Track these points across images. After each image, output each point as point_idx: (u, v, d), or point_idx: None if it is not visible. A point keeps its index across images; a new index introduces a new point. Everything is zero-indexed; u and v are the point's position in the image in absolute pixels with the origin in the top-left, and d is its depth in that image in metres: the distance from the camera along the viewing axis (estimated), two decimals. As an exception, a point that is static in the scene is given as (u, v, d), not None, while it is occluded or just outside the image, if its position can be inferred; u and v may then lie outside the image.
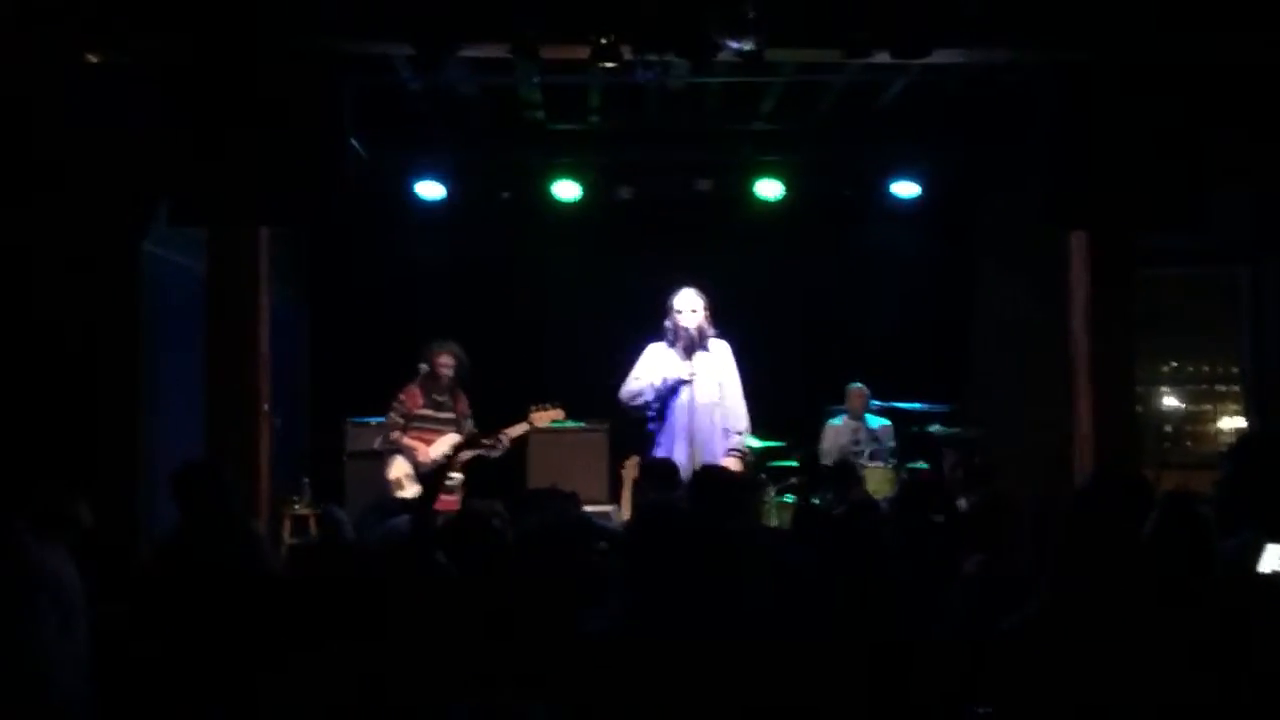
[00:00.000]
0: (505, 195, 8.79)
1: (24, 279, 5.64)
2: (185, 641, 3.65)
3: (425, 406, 7.31)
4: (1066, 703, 2.89)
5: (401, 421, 7.27)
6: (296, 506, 7.77)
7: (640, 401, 6.80)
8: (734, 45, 5.44)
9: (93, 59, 5.82)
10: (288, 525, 7.60)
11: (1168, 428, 9.65)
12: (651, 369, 6.77)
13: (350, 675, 3.23)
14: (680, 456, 6.37)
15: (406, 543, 4.02)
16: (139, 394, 6.03)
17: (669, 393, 6.71)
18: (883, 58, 5.94)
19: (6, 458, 5.33)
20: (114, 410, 5.83)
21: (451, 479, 7.30)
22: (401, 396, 7.29)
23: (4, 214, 5.59)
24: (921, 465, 8.10)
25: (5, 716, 3.60)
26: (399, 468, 7.24)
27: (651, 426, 6.80)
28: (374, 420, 7.79)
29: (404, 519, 4.34)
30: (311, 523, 7.74)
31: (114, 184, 5.74)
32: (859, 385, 8.54)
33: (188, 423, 6.41)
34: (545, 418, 7.37)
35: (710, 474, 4.93)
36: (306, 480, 7.98)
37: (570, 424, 8.23)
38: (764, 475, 7.82)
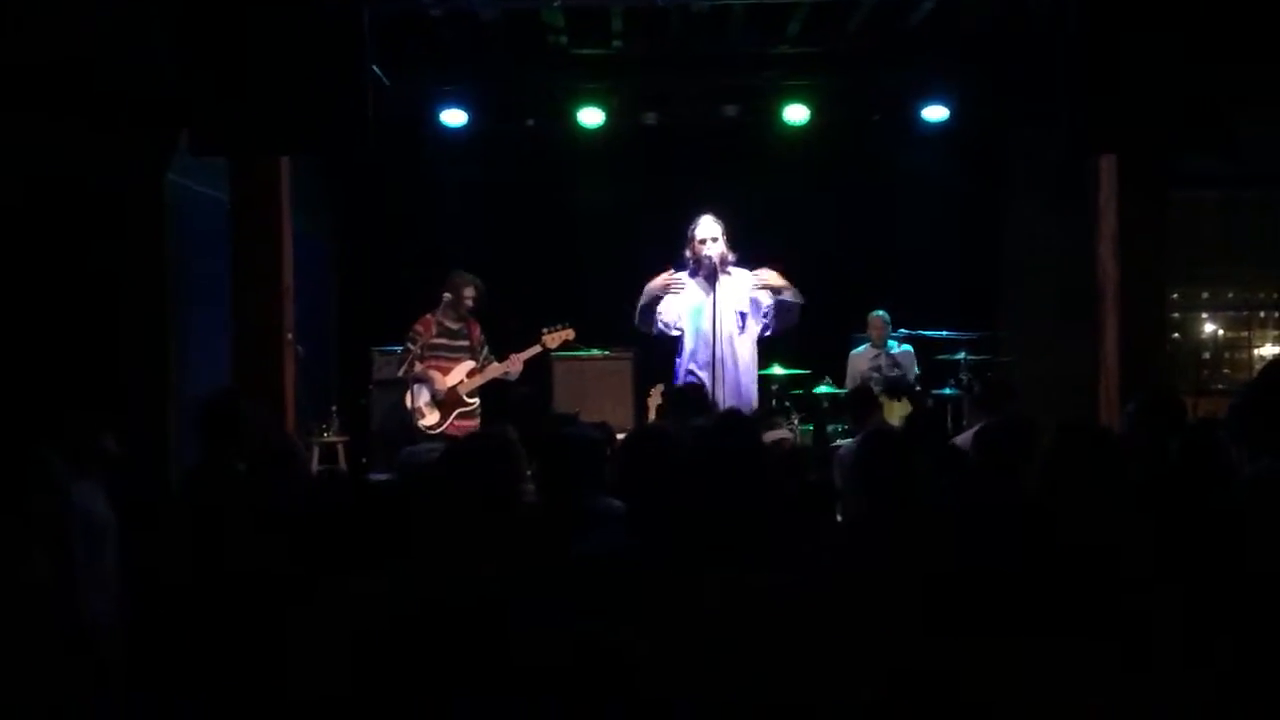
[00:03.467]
0: (529, 122, 8.74)
1: (50, 210, 5.66)
2: (212, 570, 3.70)
3: (439, 335, 7.46)
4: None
5: (418, 351, 7.42)
6: (325, 435, 7.86)
7: (656, 327, 6.73)
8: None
9: (114, -11, 5.80)
10: (315, 454, 7.69)
11: (1205, 354, 9.55)
12: (673, 301, 6.70)
13: (380, 605, 3.26)
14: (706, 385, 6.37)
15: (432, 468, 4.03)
16: (166, 324, 6.07)
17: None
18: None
19: (36, 389, 5.40)
20: (141, 340, 5.87)
21: (470, 404, 7.42)
22: (417, 327, 7.44)
23: (28, 145, 5.59)
24: (948, 392, 8.08)
25: (36, 638, 3.68)
26: (419, 396, 7.42)
27: (677, 355, 6.79)
28: (399, 349, 7.86)
29: (424, 447, 4.37)
30: (340, 451, 7.84)
31: (137, 114, 5.73)
32: (880, 313, 8.51)
33: (216, 352, 6.47)
34: (557, 339, 7.50)
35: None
36: (334, 409, 8.06)
37: (596, 352, 8.28)
38: (787, 404, 7.83)
